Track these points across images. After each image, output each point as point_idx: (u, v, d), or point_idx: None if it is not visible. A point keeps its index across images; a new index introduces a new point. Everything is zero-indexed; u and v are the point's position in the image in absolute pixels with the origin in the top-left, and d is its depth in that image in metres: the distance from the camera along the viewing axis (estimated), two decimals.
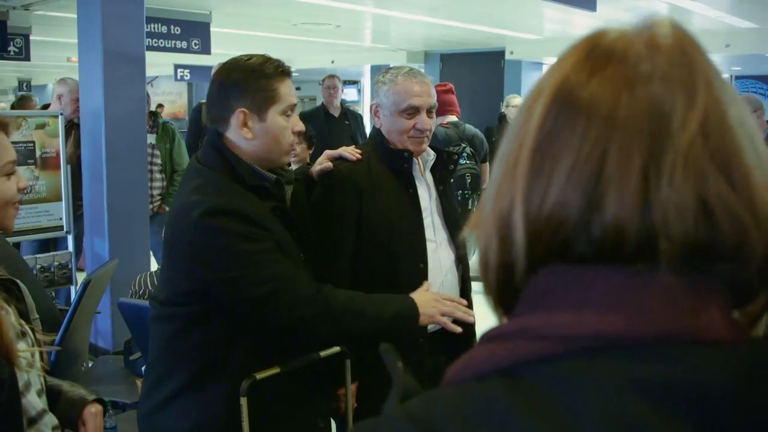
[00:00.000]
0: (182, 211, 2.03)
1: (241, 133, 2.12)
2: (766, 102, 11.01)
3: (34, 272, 4.93)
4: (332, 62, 17.58)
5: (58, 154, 5.34)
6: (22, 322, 1.82)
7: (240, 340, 2.09)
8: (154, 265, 5.93)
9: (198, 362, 2.09)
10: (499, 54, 14.50)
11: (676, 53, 0.68)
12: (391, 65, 2.85)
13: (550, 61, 15.14)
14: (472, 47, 14.69)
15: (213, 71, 6.84)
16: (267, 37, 13.35)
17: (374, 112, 2.74)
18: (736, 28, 10.99)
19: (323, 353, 2.24)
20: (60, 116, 5.38)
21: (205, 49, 9.76)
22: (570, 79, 0.69)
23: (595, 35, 0.73)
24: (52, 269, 5.26)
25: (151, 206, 5.96)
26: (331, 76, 7.64)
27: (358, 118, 7.85)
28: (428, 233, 2.68)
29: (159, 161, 6.21)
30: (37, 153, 5.26)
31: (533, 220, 0.66)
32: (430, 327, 2.71)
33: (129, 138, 5.35)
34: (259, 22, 11.53)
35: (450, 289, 2.75)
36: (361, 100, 22.86)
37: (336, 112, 7.47)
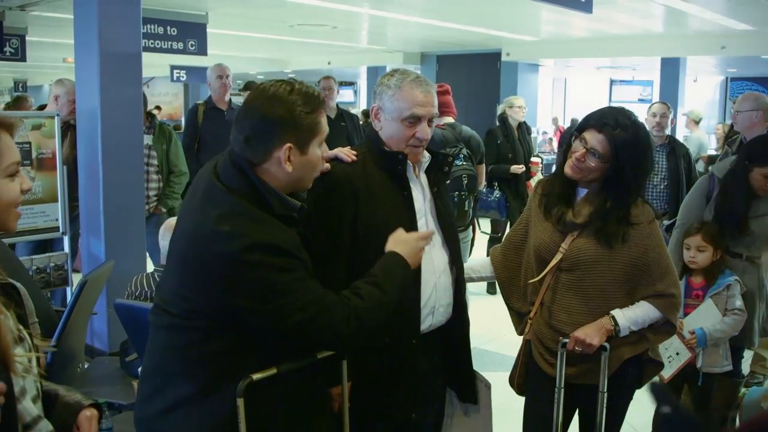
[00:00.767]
0: (211, 241, 2.01)
1: (284, 167, 2.11)
2: None
3: (30, 273, 4.92)
4: (329, 63, 17.60)
5: (54, 155, 5.33)
6: (20, 326, 1.82)
7: (252, 352, 2.09)
8: (150, 266, 5.92)
9: (208, 372, 2.09)
10: (496, 55, 14.54)
11: None
12: (388, 67, 2.85)
13: (546, 62, 15.27)
14: (468, 48, 14.72)
15: (215, 74, 6.84)
16: (263, 38, 13.36)
17: (375, 114, 2.74)
18: (732, 30, 11.02)
19: (320, 355, 2.24)
20: (56, 117, 5.37)
21: (202, 50, 9.77)
22: None
23: None
24: (48, 270, 5.25)
25: (147, 207, 5.96)
26: (327, 78, 7.64)
27: (354, 119, 7.85)
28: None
29: (155, 162, 6.20)
30: (33, 154, 5.25)
31: None
32: (424, 327, 2.72)
33: (125, 139, 5.33)
34: (255, 23, 11.54)
35: (443, 289, 2.76)
36: (358, 101, 22.90)
37: (332, 114, 7.46)
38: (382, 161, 2.69)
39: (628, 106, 3.10)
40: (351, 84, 23.15)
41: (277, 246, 2.02)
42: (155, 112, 6.77)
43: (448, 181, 4.82)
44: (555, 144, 19.24)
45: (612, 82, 20.95)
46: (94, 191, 5.33)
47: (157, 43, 9.22)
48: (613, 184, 2.85)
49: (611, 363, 2.88)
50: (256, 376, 2.05)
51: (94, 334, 5.52)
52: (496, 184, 7.44)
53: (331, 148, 2.76)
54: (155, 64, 15.40)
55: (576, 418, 3.14)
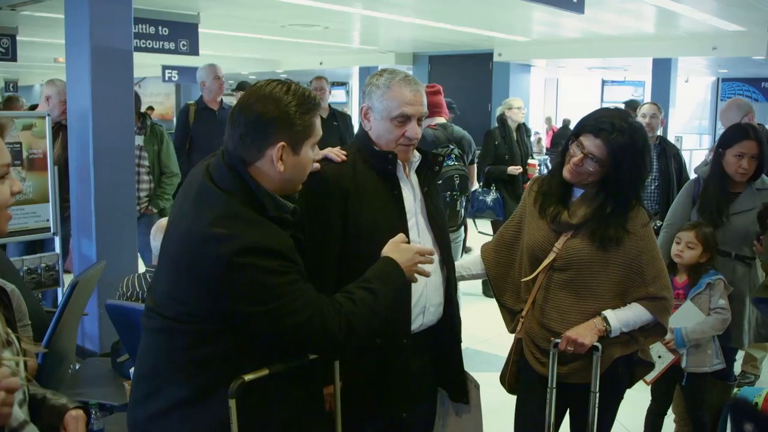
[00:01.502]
0: (204, 243, 1.99)
1: (276, 166, 2.10)
2: (756, 105, 11.08)
3: (21, 274, 4.90)
4: (320, 64, 17.60)
5: (45, 155, 5.32)
6: (8, 330, 1.81)
7: (247, 355, 2.08)
8: (141, 267, 5.91)
9: (202, 376, 2.08)
10: (488, 56, 14.56)
11: None
12: (380, 67, 2.85)
13: (538, 63, 15.28)
14: (460, 49, 14.74)
15: (212, 75, 6.80)
16: (255, 38, 13.34)
17: (364, 114, 2.73)
18: (723, 31, 11.06)
19: (312, 356, 2.24)
20: (47, 117, 5.36)
21: (193, 50, 9.76)
22: None
23: None
24: (39, 271, 5.24)
25: (138, 208, 5.94)
26: (319, 78, 7.64)
27: (346, 119, 7.85)
28: (412, 234, 2.68)
29: (146, 163, 6.18)
30: (24, 154, 5.23)
31: None
32: (415, 327, 2.72)
33: (116, 139, 5.32)
34: (247, 24, 11.52)
35: (434, 289, 2.76)
36: (350, 101, 22.90)
37: (324, 114, 7.45)
38: (372, 161, 2.69)
39: (619, 107, 3.10)
40: (343, 84, 23.15)
41: (271, 249, 2.00)
42: (148, 113, 6.74)
43: (440, 181, 4.84)
44: (544, 143, 19.28)
45: (604, 82, 21.00)
46: (86, 192, 5.31)
47: (149, 43, 9.20)
48: (611, 186, 2.85)
49: (602, 362, 2.88)
50: (248, 377, 2.04)
51: (85, 335, 5.51)
52: (494, 185, 7.45)
53: (323, 148, 2.76)
54: (147, 64, 15.37)
55: (567, 417, 3.15)
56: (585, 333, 2.84)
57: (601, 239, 2.85)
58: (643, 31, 11.81)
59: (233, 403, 2.02)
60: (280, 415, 2.17)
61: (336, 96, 21.99)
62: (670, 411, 4.14)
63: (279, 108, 2.08)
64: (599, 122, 2.83)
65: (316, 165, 2.65)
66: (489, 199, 7.30)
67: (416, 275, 2.40)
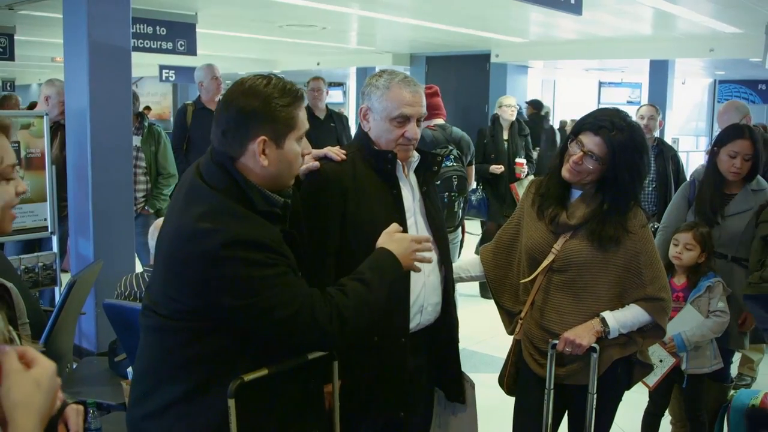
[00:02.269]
0: (193, 238, 1.99)
1: (259, 160, 2.09)
2: (752, 107, 11.10)
3: (19, 273, 4.90)
4: (318, 64, 17.58)
5: (43, 154, 5.32)
6: (10, 328, 1.81)
7: (242, 353, 2.08)
8: (138, 267, 5.91)
9: (199, 373, 2.08)
10: (485, 57, 14.55)
11: None
12: (377, 68, 2.85)
13: (535, 64, 15.26)
14: (457, 50, 14.73)
15: (210, 75, 6.80)
16: (253, 38, 13.33)
17: (363, 115, 2.75)
18: (721, 33, 11.08)
19: (311, 356, 2.24)
20: (45, 117, 5.36)
21: (191, 50, 9.75)
22: None
23: None
24: (37, 270, 5.24)
25: (134, 208, 5.94)
26: (316, 78, 7.61)
27: (343, 120, 7.85)
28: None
29: (143, 164, 6.18)
30: (22, 153, 5.22)
31: None
32: (412, 326, 2.72)
33: (114, 139, 5.32)
34: (244, 24, 11.52)
35: (432, 288, 2.77)
36: (347, 102, 22.89)
37: (321, 115, 7.45)
38: (371, 160, 2.70)
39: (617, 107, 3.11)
40: (340, 85, 23.13)
41: (257, 241, 1.99)
42: (145, 113, 6.73)
43: (438, 182, 4.84)
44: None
45: (601, 84, 21.00)
46: (83, 191, 5.31)
47: (147, 43, 9.19)
48: (610, 186, 2.86)
49: (600, 364, 2.89)
50: (247, 377, 2.04)
51: (83, 334, 5.51)
52: (481, 184, 7.47)
53: (320, 148, 2.77)
54: (144, 64, 15.35)
55: (565, 418, 3.15)
56: (583, 334, 2.85)
57: (600, 239, 2.85)
58: (640, 32, 11.82)
59: (232, 403, 2.02)
60: (279, 413, 2.18)
61: (333, 96, 21.96)
62: (666, 413, 4.14)
63: (259, 101, 2.07)
64: (599, 120, 2.85)
65: (316, 164, 2.66)
66: (474, 198, 7.31)
67: (417, 264, 2.39)
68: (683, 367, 3.80)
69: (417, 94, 2.68)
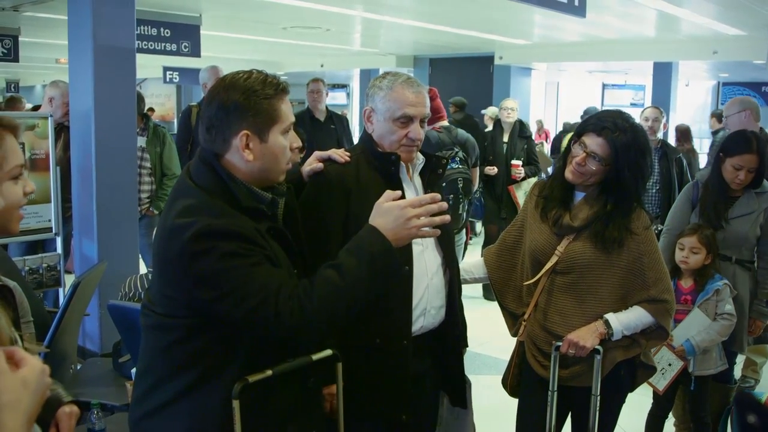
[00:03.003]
0: (173, 233, 1.99)
1: (243, 155, 2.07)
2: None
3: (23, 274, 4.91)
4: (321, 66, 17.60)
5: (47, 155, 5.33)
6: (12, 329, 1.81)
7: (237, 350, 2.07)
8: (143, 267, 5.92)
9: (195, 371, 2.08)
10: (489, 59, 14.56)
11: None
12: (381, 70, 2.85)
13: (539, 66, 15.24)
14: (461, 52, 14.74)
15: (213, 76, 6.83)
16: (256, 40, 13.35)
17: (367, 116, 2.75)
18: (724, 35, 11.07)
19: (315, 357, 2.24)
20: (49, 118, 5.37)
21: (195, 52, 9.76)
22: None
23: None
24: (41, 271, 5.25)
25: (139, 209, 5.96)
26: (315, 80, 7.56)
27: (344, 122, 7.82)
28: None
29: (148, 165, 6.20)
30: (27, 154, 5.23)
31: None
32: (416, 329, 2.71)
33: (119, 140, 5.33)
34: (248, 26, 11.53)
35: (435, 291, 2.76)
36: (351, 103, 22.89)
37: (321, 116, 7.43)
38: (375, 162, 2.70)
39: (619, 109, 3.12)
40: (344, 86, 23.14)
41: (228, 231, 1.96)
42: (148, 113, 6.73)
43: (443, 184, 4.84)
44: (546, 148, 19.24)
45: (604, 86, 20.99)
46: (88, 192, 5.32)
47: (151, 45, 9.21)
48: (613, 187, 2.86)
49: (604, 366, 2.89)
50: (252, 379, 2.04)
51: (87, 335, 5.51)
52: (481, 185, 7.49)
53: (320, 150, 2.77)
54: (148, 65, 15.39)
55: (569, 420, 3.15)
56: (586, 336, 2.84)
57: (603, 241, 2.85)
58: (643, 34, 11.82)
59: (237, 404, 2.02)
60: (277, 413, 2.17)
61: (337, 98, 21.99)
62: (669, 414, 4.14)
63: (239, 95, 2.06)
64: (601, 121, 2.85)
65: (320, 165, 2.67)
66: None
67: (424, 230, 2.11)
68: (690, 369, 3.80)
69: (420, 94, 2.67)
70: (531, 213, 3.10)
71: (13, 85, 23.77)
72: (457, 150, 5.36)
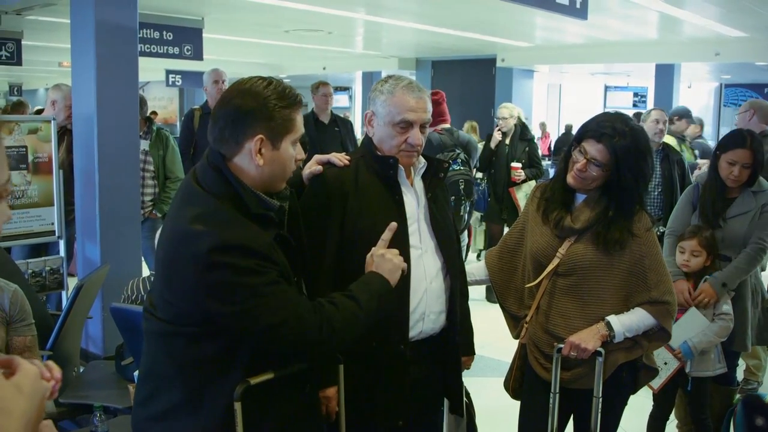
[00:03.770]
0: (184, 240, 2.00)
1: (254, 159, 2.09)
2: None
3: (26, 277, 4.92)
4: (324, 69, 17.61)
5: (50, 159, 5.34)
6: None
7: (239, 355, 2.08)
8: (145, 270, 5.93)
9: (198, 377, 2.09)
10: (491, 61, 14.57)
11: None
12: (383, 72, 2.85)
13: (541, 68, 15.24)
14: (463, 54, 14.75)
15: (211, 79, 6.85)
16: (259, 43, 13.37)
17: (368, 120, 2.74)
18: (726, 37, 11.07)
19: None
20: (52, 121, 5.39)
21: (197, 55, 9.78)
22: None
23: None
24: (44, 274, 5.26)
25: (142, 212, 5.97)
26: (325, 84, 7.60)
27: (347, 125, 7.84)
28: (413, 240, 2.68)
29: (151, 168, 6.21)
30: (30, 158, 5.25)
31: None
32: (414, 334, 2.70)
33: (121, 143, 5.35)
34: (251, 29, 11.55)
35: (434, 296, 2.74)
36: (353, 106, 22.91)
37: (326, 119, 7.47)
38: (374, 166, 2.69)
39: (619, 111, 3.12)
40: (346, 89, 23.16)
41: (247, 247, 1.98)
42: (152, 116, 6.74)
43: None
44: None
45: (606, 88, 20.99)
46: (90, 195, 5.34)
47: (153, 48, 9.22)
48: (615, 190, 2.87)
49: (606, 368, 2.89)
50: (253, 381, 2.05)
51: (89, 338, 5.52)
52: (486, 178, 7.50)
53: (324, 153, 2.78)
54: (150, 69, 15.39)
55: (571, 422, 3.15)
56: (588, 338, 2.84)
57: (605, 242, 2.86)
58: (645, 36, 11.83)
59: (239, 406, 2.03)
60: (275, 417, 2.18)
61: (339, 101, 22.00)
62: (672, 416, 4.14)
63: (257, 101, 2.08)
64: (601, 127, 2.85)
65: (319, 168, 2.67)
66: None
67: (397, 261, 2.34)
68: (687, 369, 3.80)
69: (421, 100, 2.66)
70: (532, 215, 3.10)
71: (16, 89, 23.82)
72: (458, 152, 5.36)
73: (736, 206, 3.94)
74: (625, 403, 3.08)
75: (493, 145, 7.46)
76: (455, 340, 2.86)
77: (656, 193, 5.86)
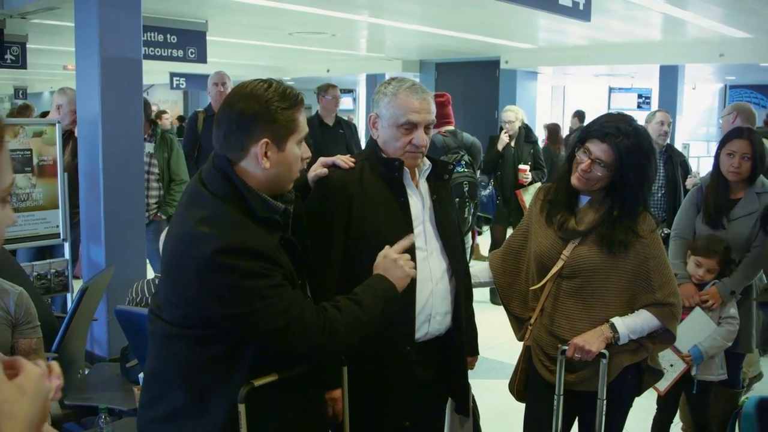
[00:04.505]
0: (189, 242, 2.01)
1: (260, 163, 2.10)
2: (763, 112, 11.06)
3: (31, 279, 4.93)
4: (327, 71, 17.60)
5: (55, 162, 5.36)
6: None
7: (244, 358, 2.09)
8: (150, 273, 5.94)
9: (202, 378, 2.10)
10: (494, 63, 14.55)
11: None
12: (387, 74, 2.86)
13: (545, 70, 15.21)
14: (467, 56, 14.74)
15: (212, 81, 6.88)
16: (263, 45, 13.36)
17: (372, 122, 2.75)
18: (730, 38, 11.04)
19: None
20: (57, 125, 5.40)
21: (201, 58, 9.78)
22: None
23: None
24: (49, 276, 5.27)
25: (147, 214, 5.98)
26: (333, 86, 7.64)
27: (352, 128, 7.87)
28: (418, 242, 2.68)
29: (156, 170, 6.23)
30: (35, 161, 5.27)
31: None
32: (420, 335, 2.71)
33: (126, 146, 5.36)
34: (255, 31, 11.56)
35: (440, 297, 2.75)
36: (357, 108, 22.91)
37: (331, 122, 7.49)
38: (379, 168, 2.70)
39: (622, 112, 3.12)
40: (350, 91, 23.15)
41: (252, 250, 2.00)
42: (164, 116, 6.74)
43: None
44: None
45: (610, 89, 20.96)
46: (95, 198, 5.35)
47: (157, 51, 9.23)
48: (618, 191, 2.87)
49: (610, 370, 2.89)
50: (257, 383, 2.05)
51: (94, 340, 5.54)
52: (493, 181, 7.51)
53: (329, 155, 2.78)
54: (155, 72, 15.41)
55: (576, 425, 3.15)
56: (592, 340, 2.85)
57: (609, 244, 2.85)
58: (649, 38, 11.80)
59: (242, 408, 2.04)
60: (279, 420, 2.19)
61: (343, 103, 21.96)
62: (677, 419, 4.13)
63: (260, 104, 2.09)
64: (604, 127, 2.85)
65: (324, 170, 2.68)
66: (483, 194, 7.32)
67: (408, 269, 2.35)
68: (693, 372, 3.79)
69: (425, 101, 2.67)
70: (536, 217, 3.10)
71: (21, 92, 23.85)
72: (462, 153, 5.36)
73: (740, 207, 3.93)
74: (630, 406, 3.08)
75: (500, 147, 7.47)
76: (461, 340, 2.87)
77: (659, 195, 5.87)
